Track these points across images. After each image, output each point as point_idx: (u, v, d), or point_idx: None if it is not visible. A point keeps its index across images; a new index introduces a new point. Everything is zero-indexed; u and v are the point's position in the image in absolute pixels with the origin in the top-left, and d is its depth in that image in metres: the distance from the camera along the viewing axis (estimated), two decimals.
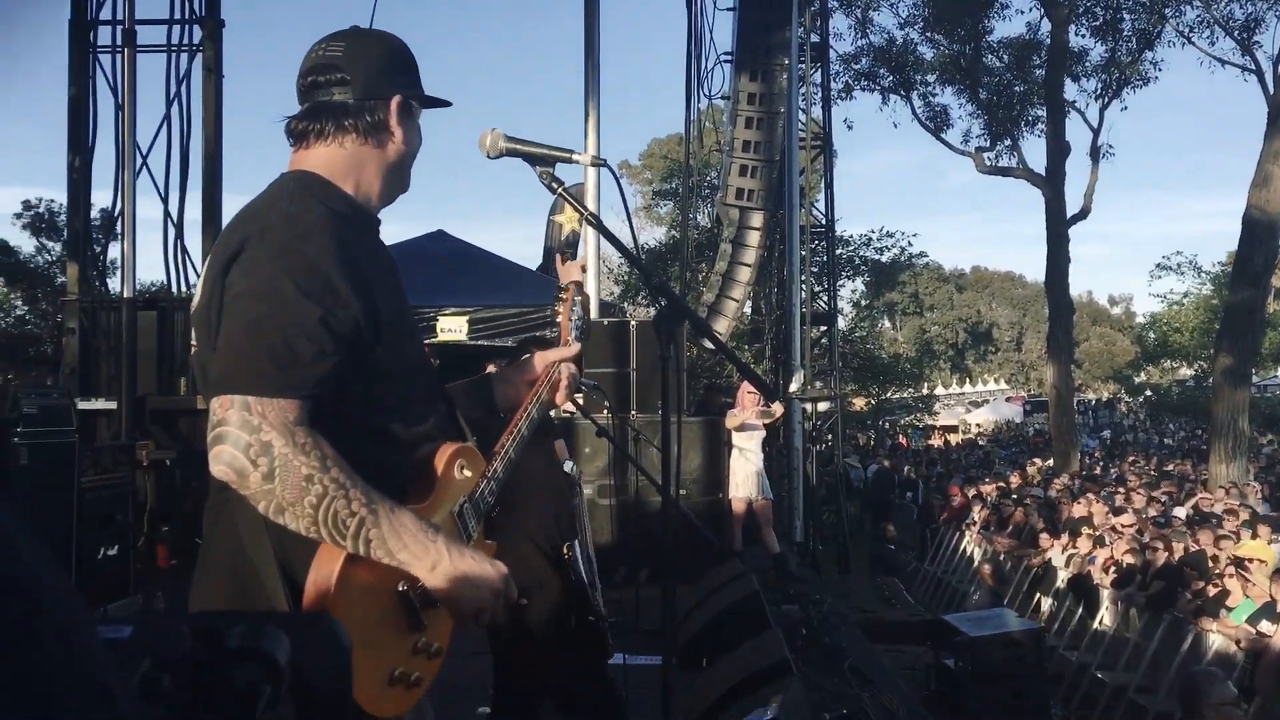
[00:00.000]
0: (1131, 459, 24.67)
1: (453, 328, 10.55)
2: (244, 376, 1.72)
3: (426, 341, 11.18)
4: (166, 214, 10.94)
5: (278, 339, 1.72)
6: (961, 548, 16.02)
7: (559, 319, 2.56)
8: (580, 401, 7.02)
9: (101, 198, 11.33)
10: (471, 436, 2.18)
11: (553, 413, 4.56)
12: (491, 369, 2.52)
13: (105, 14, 10.92)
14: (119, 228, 10.77)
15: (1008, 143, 27.54)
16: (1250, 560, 9.39)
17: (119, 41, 10.72)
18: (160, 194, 10.92)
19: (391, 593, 1.84)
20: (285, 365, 1.72)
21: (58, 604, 0.64)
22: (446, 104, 2.18)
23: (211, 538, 1.89)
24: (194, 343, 1.99)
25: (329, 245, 1.80)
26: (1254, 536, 10.82)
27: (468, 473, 2.07)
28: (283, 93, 2.12)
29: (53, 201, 24.83)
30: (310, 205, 1.87)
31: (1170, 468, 21.91)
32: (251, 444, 1.69)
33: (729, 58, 14.30)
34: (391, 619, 1.85)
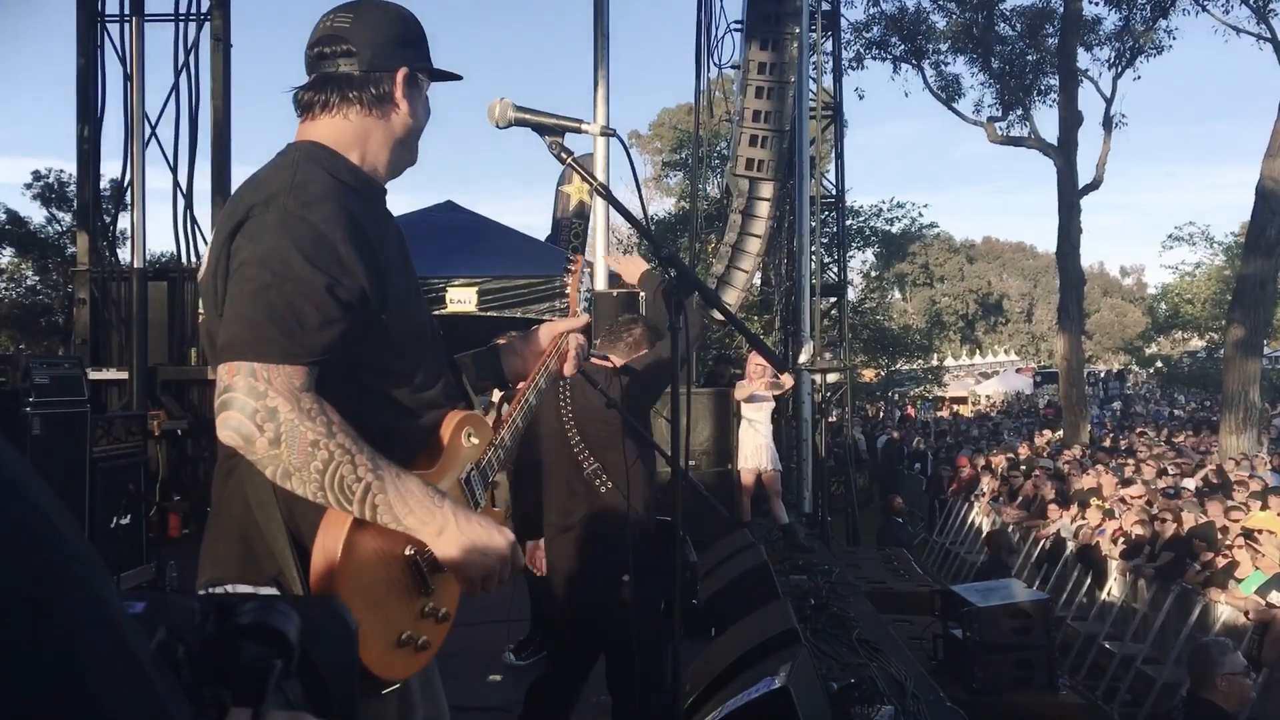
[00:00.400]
0: (1140, 430, 24.63)
1: (462, 298, 10.54)
2: (250, 343, 1.73)
3: (436, 312, 11.24)
4: (176, 184, 10.94)
5: (283, 306, 1.73)
6: (970, 519, 16.05)
7: (568, 290, 2.57)
8: (588, 373, 7.01)
9: (111, 168, 11.31)
10: (479, 404, 2.19)
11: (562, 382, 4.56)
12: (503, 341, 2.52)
13: None
14: (128, 198, 10.78)
15: (1020, 112, 27.38)
16: (1260, 531, 9.39)
17: (127, 11, 10.69)
18: (169, 164, 10.93)
19: (399, 557, 1.86)
20: (291, 332, 1.73)
21: (76, 555, 0.65)
22: (456, 77, 2.18)
23: (220, 503, 1.91)
24: (202, 311, 2.01)
25: (334, 213, 1.80)
26: (1264, 508, 10.80)
27: (475, 440, 2.08)
28: (291, 62, 2.12)
29: (62, 172, 24.84)
30: (316, 174, 1.87)
31: (1180, 439, 21.88)
32: (258, 410, 1.70)
33: (739, 26, 14.16)
34: (399, 583, 1.86)
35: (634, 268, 3.74)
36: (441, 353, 2.13)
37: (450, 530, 1.83)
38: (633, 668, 3.62)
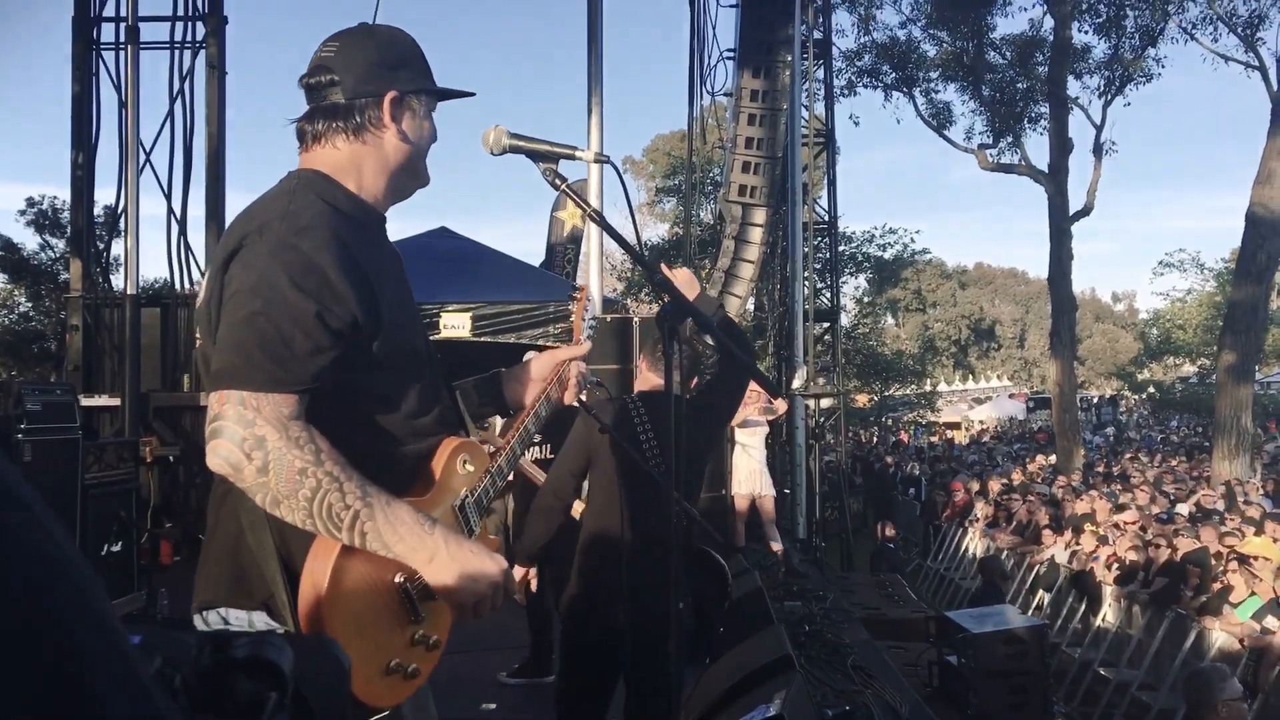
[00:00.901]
0: (1130, 455, 24.65)
1: (456, 324, 10.54)
2: (240, 371, 1.74)
3: (430, 338, 11.18)
4: (170, 211, 10.97)
5: (274, 334, 1.75)
6: (964, 545, 16.01)
7: (573, 318, 2.58)
8: (583, 397, 7.01)
9: (105, 195, 11.39)
10: (477, 432, 2.19)
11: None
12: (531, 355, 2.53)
13: (109, 10, 10.97)
14: (122, 224, 10.78)
15: (1010, 139, 27.52)
16: (1255, 558, 9.38)
17: (122, 38, 10.74)
18: (163, 190, 10.95)
19: (389, 584, 1.86)
20: (281, 360, 1.74)
21: (70, 560, 0.66)
22: (463, 95, 2.18)
23: (215, 528, 1.92)
24: (198, 337, 2.03)
25: (326, 242, 1.81)
26: (1258, 534, 10.80)
27: (470, 468, 2.08)
28: (286, 88, 2.14)
29: (56, 198, 24.84)
30: (310, 202, 1.88)
31: (1174, 464, 21.89)
32: (246, 438, 1.71)
33: (732, 54, 14.28)
34: (388, 610, 1.86)
35: (691, 288, 3.50)
36: (438, 379, 2.13)
37: (441, 557, 1.83)
38: (654, 692, 3.54)
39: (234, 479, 1.74)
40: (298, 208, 1.86)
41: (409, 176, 2.09)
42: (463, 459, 2.06)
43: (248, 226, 1.84)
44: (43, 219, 25.06)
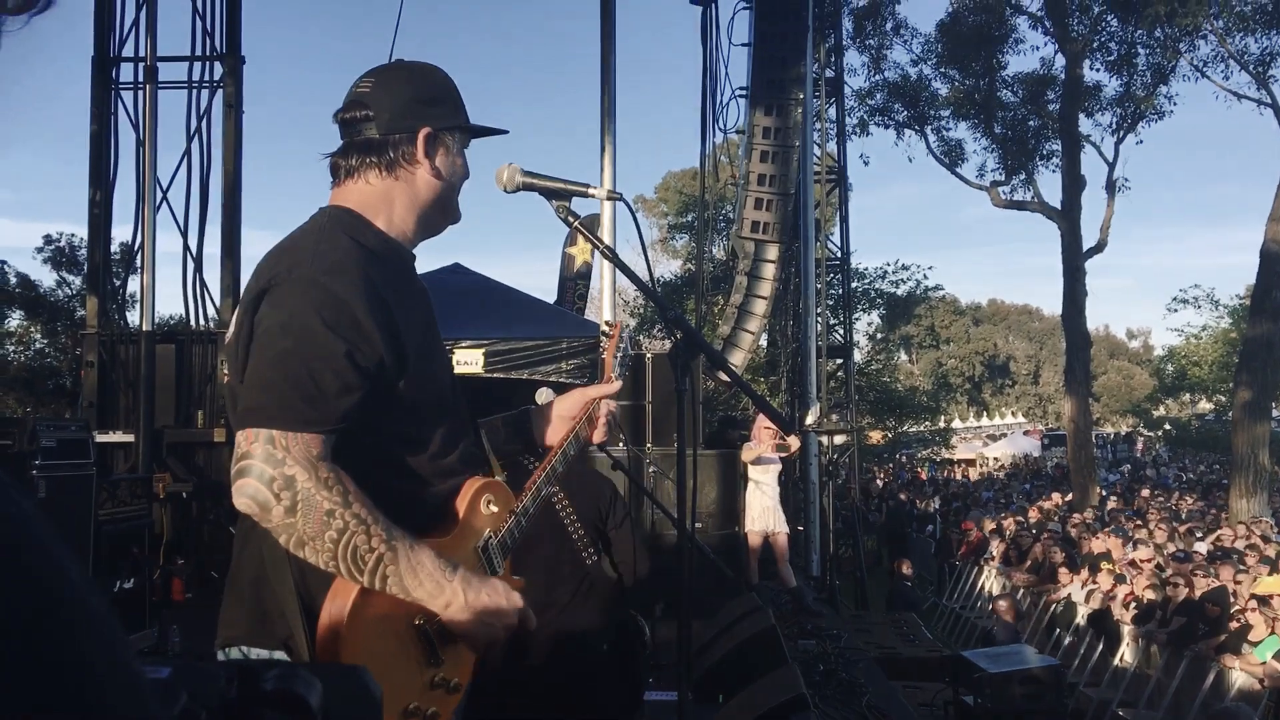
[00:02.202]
0: (1146, 493, 24.46)
1: (469, 360, 10.56)
2: (269, 410, 1.74)
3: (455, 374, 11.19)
4: (186, 248, 11.04)
5: (303, 373, 1.75)
6: (980, 583, 15.89)
7: (604, 355, 2.57)
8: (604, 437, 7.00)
9: (122, 232, 11.46)
10: (501, 471, 2.18)
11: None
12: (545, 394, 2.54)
13: (127, 50, 11.08)
14: (138, 261, 10.87)
15: (1023, 176, 27.55)
16: (1273, 596, 9.28)
17: (140, 78, 10.87)
18: (180, 228, 11.03)
19: (408, 626, 1.84)
20: (310, 399, 1.74)
21: (73, 578, 0.65)
22: (497, 132, 2.19)
23: (237, 566, 1.92)
24: (225, 374, 2.06)
25: (356, 281, 1.81)
26: (1272, 572, 10.69)
27: (494, 508, 2.07)
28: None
29: (74, 236, 25.05)
30: (339, 240, 1.89)
31: (1190, 502, 21.71)
32: (275, 478, 1.71)
33: (744, 92, 14.36)
34: (407, 653, 1.84)
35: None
36: (463, 417, 2.12)
37: (457, 604, 1.83)
38: None
39: (260, 518, 1.74)
40: (327, 246, 1.87)
41: (440, 213, 2.10)
42: (487, 499, 2.05)
43: (278, 265, 1.85)
44: (60, 256, 25.28)
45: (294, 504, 1.70)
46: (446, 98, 2.08)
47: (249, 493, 1.72)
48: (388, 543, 1.75)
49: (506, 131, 2.19)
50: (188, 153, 11.03)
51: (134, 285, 11.55)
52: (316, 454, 1.74)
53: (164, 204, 10.89)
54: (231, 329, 1.93)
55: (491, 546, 2.04)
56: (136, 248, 10.94)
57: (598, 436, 2.47)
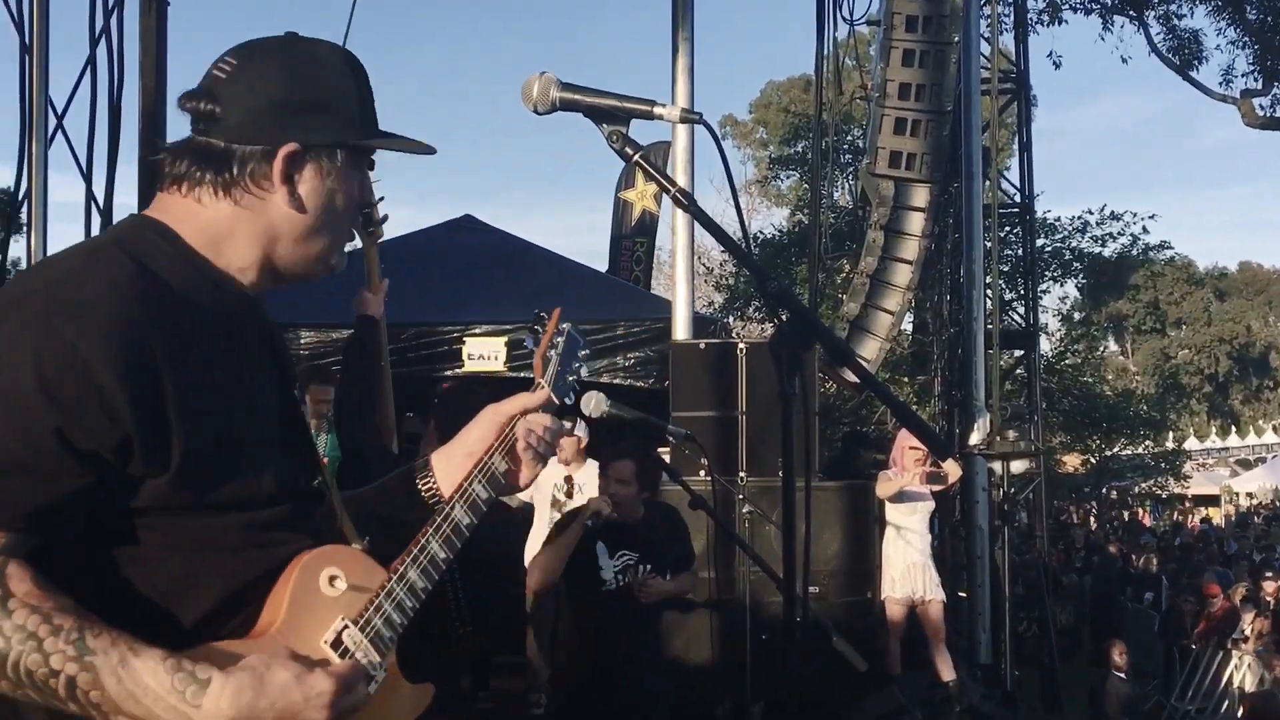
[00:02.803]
0: None
1: (485, 353, 10.63)
2: None
3: (452, 372, 11.29)
4: (90, 194, 11.24)
5: None
6: (1226, 675, 15.67)
7: (536, 354, 2.55)
8: (665, 459, 7.01)
9: (1, 175, 11.68)
10: (360, 539, 2.15)
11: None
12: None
13: None
14: (25, 215, 11.09)
15: None
16: None
17: None
18: (80, 168, 11.22)
19: None
20: None
21: None
22: (416, 149, 2.21)
23: None
24: None
25: (108, 327, 1.81)
26: None
27: (341, 585, 2.05)
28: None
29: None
30: (112, 266, 1.90)
31: None
32: None
33: None
34: None
35: None
36: (301, 516, 2.12)
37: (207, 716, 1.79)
38: None
39: None
40: (90, 272, 1.87)
41: (302, 255, 2.11)
42: (329, 575, 2.03)
43: (13, 287, 1.89)
44: None
45: None
46: (335, 102, 2.08)
47: None
48: (79, 659, 1.74)
49: (432, 150, 2.20)
50: (91, 62, 11.21)
51: (18, 249, 11.77)
52: None
53: (59, 133, 11.09)
54: None
55: (351, 640, 2.03)
56: (22, 197, 11.16)
57: (524, 473, 2.42)
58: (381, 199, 4.53)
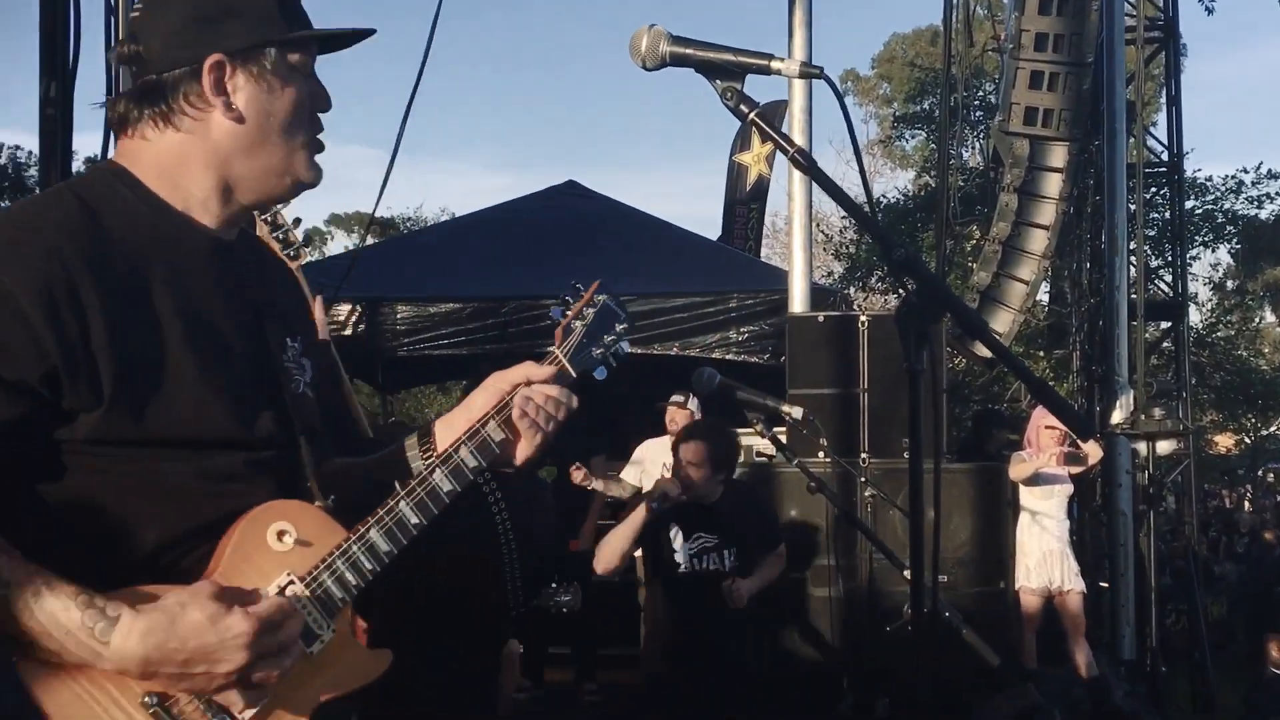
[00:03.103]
0: None
1: None
2: None
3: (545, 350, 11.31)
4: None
5: None
6: None
7: (561, 321, 2.55)
8: (781, 439, 7.00)
9: (88, 142, 11.92)
10: (323, 496, 2.21)
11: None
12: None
13: None
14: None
15: None
16: None
17: None
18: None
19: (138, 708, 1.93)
20: None
21: None
22: (351, 36, 2.27)
23: None
24: None
25: (35, 262, 1.92)
26: None
27: (289, 541, 2.09)
28: None
29: (17, 148, 26.23)
30: (55, 206, 2.05)
31: None
32: None
33: None
34: None
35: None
36: (271, 418, 2.19)
37: (108, 659, 1.86)
38: None
39: None
40: (28, 213, 2.04)
41: (259, 172, 2.19)
42: (278, 530, 2.08)
43: None
44: (2, 177, 26.45)
45: None
46: (249, 5, 2.15)
47: None
48: None
49: (371, 32, 2.24)
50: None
51: None
52: None
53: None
54: None
55: (297, 597, 2.07)
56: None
57: (523, 447, 2.43)
58: (298, 220, 4.27)
